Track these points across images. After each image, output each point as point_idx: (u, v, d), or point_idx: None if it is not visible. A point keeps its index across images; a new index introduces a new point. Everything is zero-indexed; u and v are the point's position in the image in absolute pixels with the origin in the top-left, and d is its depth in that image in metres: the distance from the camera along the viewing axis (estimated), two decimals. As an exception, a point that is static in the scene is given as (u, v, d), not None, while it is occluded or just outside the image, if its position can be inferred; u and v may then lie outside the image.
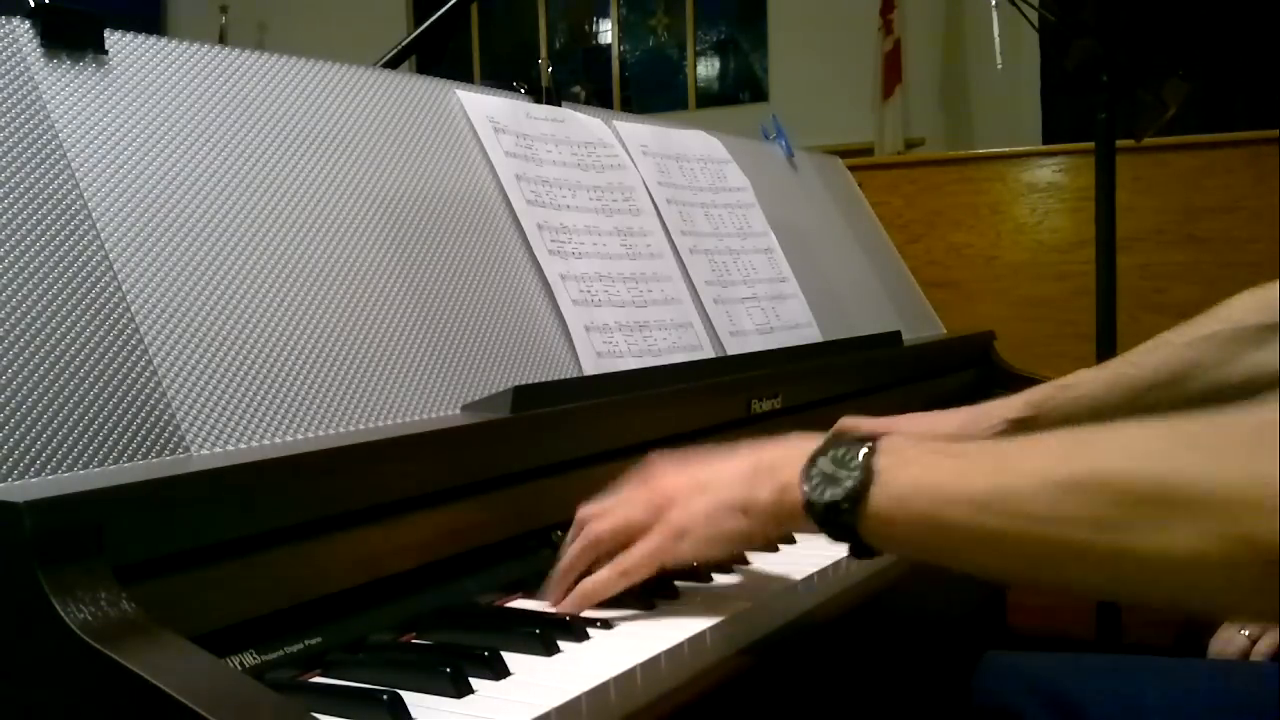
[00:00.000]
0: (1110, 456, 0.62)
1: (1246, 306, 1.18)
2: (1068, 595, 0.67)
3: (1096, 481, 0.61)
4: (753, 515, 0.80)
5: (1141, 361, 1.22)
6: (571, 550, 0.87)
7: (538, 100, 1.37)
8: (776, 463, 0.80)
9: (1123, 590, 0.64)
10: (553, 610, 0.85)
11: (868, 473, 0.73)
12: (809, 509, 0.75)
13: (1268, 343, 1.16)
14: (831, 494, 0.74)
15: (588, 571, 0.86)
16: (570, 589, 0.86)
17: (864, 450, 0.74)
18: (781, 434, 1.31)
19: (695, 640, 0.80)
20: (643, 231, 1.37)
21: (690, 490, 0.84)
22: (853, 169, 2.18)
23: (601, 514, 0.87)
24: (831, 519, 0.74)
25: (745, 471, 0.82)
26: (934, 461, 0.71)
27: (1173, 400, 1.21)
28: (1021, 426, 1.23)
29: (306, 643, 0.74)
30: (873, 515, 0.72)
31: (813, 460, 0.77)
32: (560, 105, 1.39)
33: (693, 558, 0.83)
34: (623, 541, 0.85)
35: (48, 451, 0.71)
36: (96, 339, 0.77)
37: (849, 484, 0.73)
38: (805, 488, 0.76)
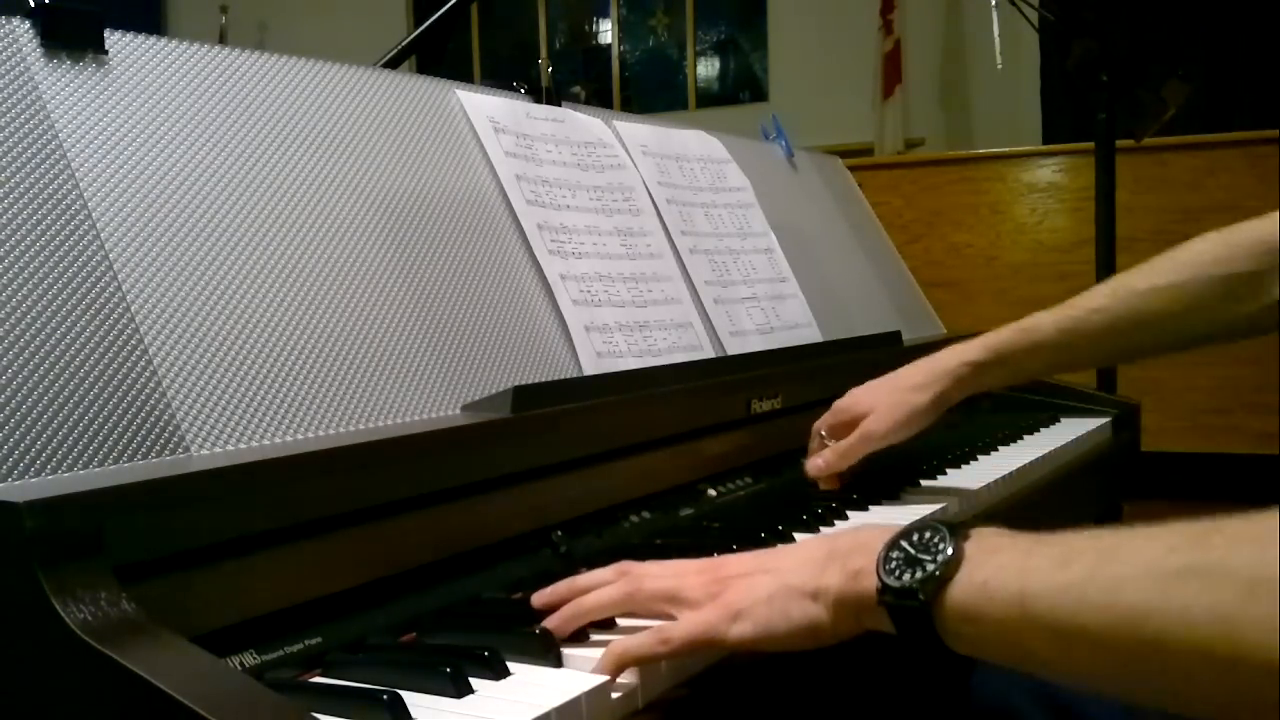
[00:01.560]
0: (1237, 546, 0.54)
1: (1209, 255, 1.16)
2: (1172, 708, 0.58)
3: (1218, 570, 0.53)
4: (823, 603, 0.71)
5: (1103, 308, 1.20)
6: (605, 592, 0.79)
7: (538, 100, 1.37)
8: (853, 548, 0.72)
9: (1237, 700, 0.54)
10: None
11: (954, 557, 0.65)
12: (883, 594, 0.68)
13: (1235, 295, 1.14)
14: (910, 578, 0.66)
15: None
16: (574, 625, 0.79)
17: (951, 534, 0.67)
18: (781, 434, 1.32)
19: (695, 640, 0.79)
20: (643, 231, 1.37)
21: (754, 571, 0.75)
22: (853, 169, 2.18)
23: (650, 574, 0.79)
24: (905, 606, 0.66)
25: (817, 556, 0.74)
26: (1027, 547, 0.64)
27: (1133, 345, 1.21)
28: (981, 370, 1.23)
29: (306, 643, 0.74)
30: (954, 606, 0.64)
31: (893, 543, 0.69)
32: (560, 105, 1.39)
33: (746, 643, 0.73)
34: (662, 610, 0.77)
35: (48, 451, 0.71)
36: (96, 339, 0.77)
37: (930, 567, 0.65)
38: (881, 570, 0.68)
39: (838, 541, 0.74)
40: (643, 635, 0.74)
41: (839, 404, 1.27)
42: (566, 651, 0.76)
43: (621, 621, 0.81)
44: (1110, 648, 0.57)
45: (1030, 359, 1.23)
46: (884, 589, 0.67)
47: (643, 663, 0.74)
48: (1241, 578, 0.52)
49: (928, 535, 0.67)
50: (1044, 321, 1.23)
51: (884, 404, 1.23)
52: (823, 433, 1.27)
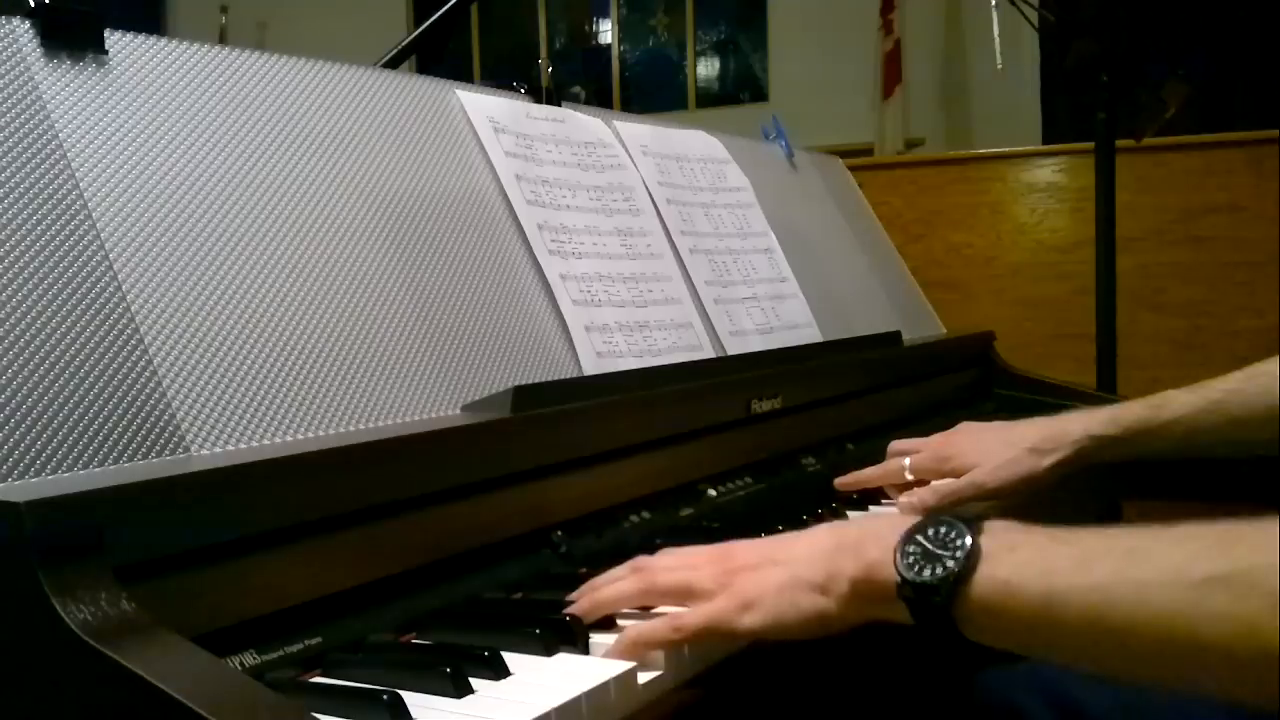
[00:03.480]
0: (1259, 554, 0.57)
1: None
2: (1191, 695, 0.64)
3: (1244, 581, 0.57)
4: (833, 595, 0.73)
5: (1240, 389, 1.14)
6: (621, 586, 0.81)
7: (538, 100, 1.37)
8: (864, 539, 0.73)
9: (1265, 696, 0.58)
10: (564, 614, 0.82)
11: (973, 553, 0.67)
12: (902, 589, 0.69)
13: None
14: (930, 574, 0.67)
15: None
16: (594, 617, 0.81)
17: (968, 529, 0.68)
18: (781, 434, 1.32)
19: (695, 640, 0.79)
20: (643, 231, 1.37)
21: (764, 562, 0.77)
22: (853, 169, 2.18)
23: (666, 567, 0.81)
24: (926, 602, 0.68)
25: (827, 548, 0.75)
26: (1046, 545, 0.66)
27: (1271, 432, 1.13)
28: (1105, 445, 1.17)
29: (306, 643, 0.74)
30: (975, 601, 0.66)
31: (909, 537, 0.70)
32: (560, 105, 1.39)
33: (756, 633, 0.75)
34: (678, 601, 0.79)
35: (48, 451, 0.71)
36: (96, 339, 0.77)
37: (950, 564, 0.67)
38: (900, 565, 0.69)
39: (846, 533, 0.76)
40: (657, 622, 0.76)
41: (939, 448, 1.21)
42: (566, 650, 0.77)
43: (622, 621, 0.82)
44: (1136, 646, 0.60)
45: (1158, 439, 1.17)
46: (904, 583, 0.69)
47: (656, 648, 0.76)
48: (1266, 589, 0.56)
49: (943, 530, 0.69)
50: (1175, 400, 1.17)
51: (997, 458, 1.17)
52: (910, 472, 1.21)
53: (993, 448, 1.19)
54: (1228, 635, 0.57)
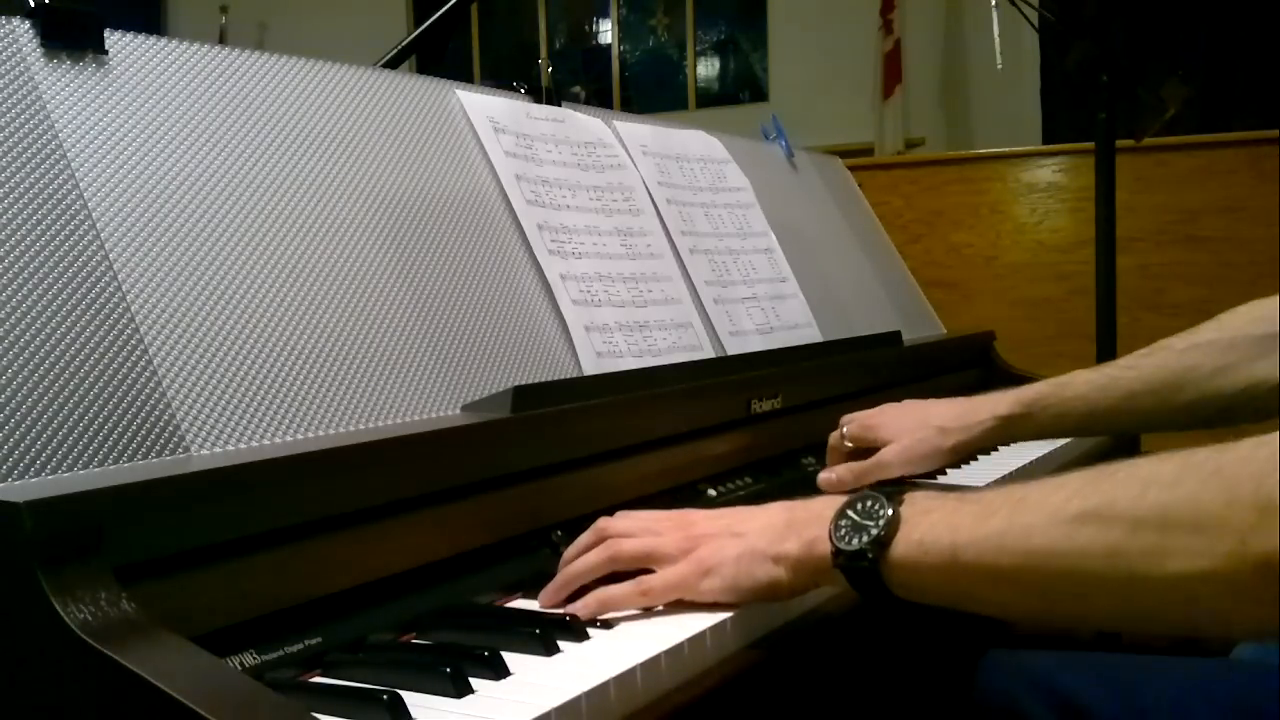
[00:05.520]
0: (1121, 488, 0.64)
1: (1248, 316, 1.16)
2: (1084, 627, 0.71)
3: (1108, 513, 0.64)
4: (783, 565, 0.81)
5: (1138, 365, 1.20)
6: (587, 558, 0.86)
7: (538, 100, 1.37)
8: (809, 518, 0.81)
9: (1137, 618, 0.67)
10: (554, 610, 0.84)
11: (893, 520, 0.75)
12: (836, 558, 0.77)
13: (1267, 353, 1.13)
14: (858, 542, 0.76)
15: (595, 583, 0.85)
16: (572, 594, 0.85)
17: (889, 501, 0.76)
18: (781, 434, 1.32)
19: (695, 640, 0.80)
20: (643, 231, 1.37)
21: (723, 533, 0.85)
22: (853, 169, 2.18)
23: (628, 532, 0.87)
24: (857, 567, 0.76)
25: (778, 524, 0.83)
26: (954, 507, 0.74)
27: (1167, 406, 1.18)
28: (1011, 424, 1.23)
29: (306, 643, 0.74)
30: (897, 562, 0.74)
31: (841, 512, 0.78)
32: (560, 105, 1.39)
33: (715, 597, 0.83)
34: (642, 566, 0.85)
35: (48, 451, 0.71)
36: (96, 339, 0.77)
37: (875, 531, 0.75)
38: (834, 537, 0.77)
39: (795, 512, 0.84)
40: (624, 586, 0.83)
41: (867, 420, 1.27)
42: (566, 650, 0.77)
43: (621, 615, 0.82)
44: (1027, 584, 0.68)
45: (1062, 415, 1.22)
46: (837, 553, 0.77)
47: (624, 610, 0.83)
48: (1127, 517, 0.63)
49: (869, 503, 0.77)
50: (1079, 378, 1.23)
51: (907, 437, 1.23)
52: (846, 440, 1.26)
53: (907, 425, 1.25)
54: (1098, 563, 0.63)
